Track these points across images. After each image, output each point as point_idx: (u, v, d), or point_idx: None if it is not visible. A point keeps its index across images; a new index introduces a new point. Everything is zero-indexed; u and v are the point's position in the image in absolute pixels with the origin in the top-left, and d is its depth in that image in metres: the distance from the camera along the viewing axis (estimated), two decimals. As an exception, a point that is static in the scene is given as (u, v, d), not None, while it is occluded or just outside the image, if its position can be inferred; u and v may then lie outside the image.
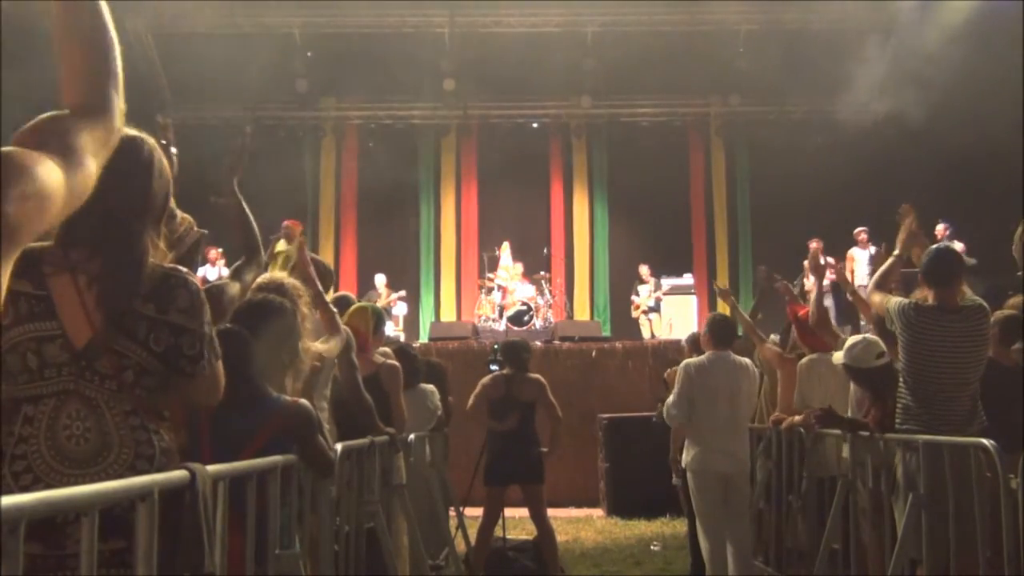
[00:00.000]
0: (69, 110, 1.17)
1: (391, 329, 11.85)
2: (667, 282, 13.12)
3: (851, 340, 4.46)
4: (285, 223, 10.83)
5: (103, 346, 1.89)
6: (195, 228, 2.81)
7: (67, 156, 1.09)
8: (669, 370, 6.46)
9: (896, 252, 4.61)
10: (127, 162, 1.92)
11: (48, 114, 1.16)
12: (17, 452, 1.83)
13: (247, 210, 2.93)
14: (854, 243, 11.76)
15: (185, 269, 2.09)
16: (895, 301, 4.05)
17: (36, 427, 1.84)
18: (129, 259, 1.94)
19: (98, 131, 1.17)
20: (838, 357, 4.41)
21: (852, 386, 4.57)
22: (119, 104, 1.24)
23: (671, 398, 5.33)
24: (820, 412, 4.47)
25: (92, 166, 1.14)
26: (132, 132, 2.00)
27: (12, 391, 1.86)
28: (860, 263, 11.46)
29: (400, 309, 12.85)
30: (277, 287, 3.21)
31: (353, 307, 4.87)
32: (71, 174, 1.08)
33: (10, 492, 1.65)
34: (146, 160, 2.03)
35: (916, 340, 3.92)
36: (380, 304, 12.13)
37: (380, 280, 12.87)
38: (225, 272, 11.09)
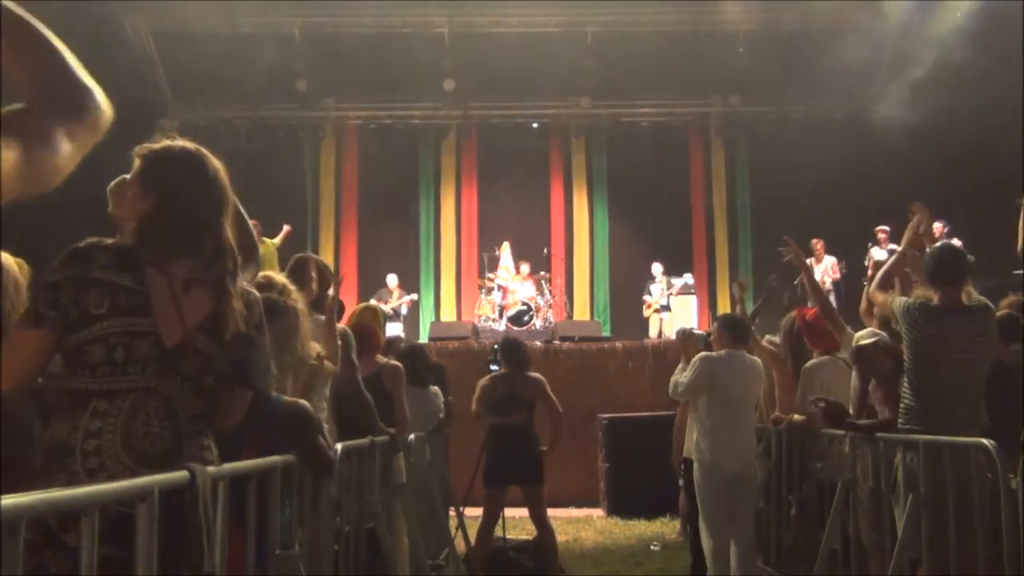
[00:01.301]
0: (30, 106, 1.18)
1: (399, 330, 11.86)
2: (672, 281, 13.11)
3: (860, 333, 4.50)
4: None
5: (192, 347, 1.94)
6: None
7: (23, 136, 1.10)
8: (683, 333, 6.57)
9: (900, 249, 4.60)
10: (205, 173, 2.06)
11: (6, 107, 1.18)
12: (88, 447, 1.83)
13: (241, 209, 2.93)
14: (875, 243, 11.67)
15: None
16: (900, 300, 4.04)
17: (110, 422, 1.86)
18: (225, 267, 2.03)
19: (67, 117, 1.18)
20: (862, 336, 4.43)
21: (852, 381, 4.57)
22: (85, 88, 1.24)
23: (684, 378, 5.35)
24: (827, 405, 4.49)
25: (65, 147, 1.15)
26: (193, 146, 2.10)
27: (84, 383, 1.87)
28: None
29: (402, 309, 12.85)
30: (273, 287, 3.21)
31: (361, 306, 4.89)
32: (28, 151, 1.09)
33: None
34: (214, 171, 2.13)
35: (920, 339, 3.90)
36: (391, 305, 12.16)
37: (392, 280, 12.85)
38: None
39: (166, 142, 2.09)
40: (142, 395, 1.89)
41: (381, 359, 4.79)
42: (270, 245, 10.76)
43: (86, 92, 1.24)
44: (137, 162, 2.07)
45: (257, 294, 2.13)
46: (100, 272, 1.89)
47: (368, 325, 4.81)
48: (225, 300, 2.01)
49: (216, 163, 2.14)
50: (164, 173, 2.04)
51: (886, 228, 11.55)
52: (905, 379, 3.99)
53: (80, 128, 1.20)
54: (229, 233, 2.10)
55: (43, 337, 1.86)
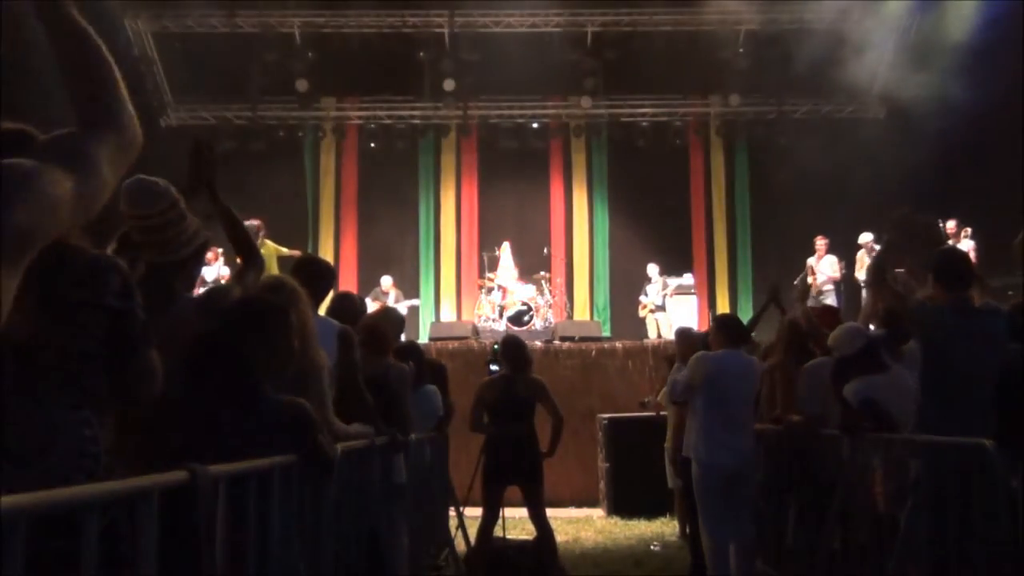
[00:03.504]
0: (76, 127, 1.20)
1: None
2: (668, 282, 13.12)
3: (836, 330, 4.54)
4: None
5: (44, 338, 1.83)
6: (202, 230, 2.80)
7: (76, 165, 1.11)
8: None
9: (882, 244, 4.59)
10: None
11: (57, 132, 1.19)
12: None
13: (236, 215, 2.92)
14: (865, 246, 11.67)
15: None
16: (913, 301, 4.02)
17: None
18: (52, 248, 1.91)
19: (109, 141, 1.20)
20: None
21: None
22: (128, 113, 1.26)
23: (681, 378, 5.36)
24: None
25: (107, 174, 1.16)
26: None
27: None
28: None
29: (402, 310, 12.84)
30: (279, 287, 3.20)
31: (379, 308, 4.91)
32: (80, 182, 1.10)
33: None
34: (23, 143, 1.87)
35: (931, 341, 3.89)
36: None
37: (386, 281, 12.85)
38: (224, 271, 11.21)
39: None
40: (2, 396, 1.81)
41: (391, 360, 4.80)
42: (271, 248, 10.77)
43: (130, 114, 1.26)
44: None
45: (117, 260, 1.99)
46: None
47: (380, 326, 4.83)
48: (62, 280, 1.88)
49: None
50: None
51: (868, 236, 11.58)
52: (919, 383, 3.97)
53: (119, 152, 1.21)
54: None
55: None
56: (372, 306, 11.71)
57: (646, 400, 8.21)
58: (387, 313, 5.32)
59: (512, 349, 6.13)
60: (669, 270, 13.20)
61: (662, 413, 7.14)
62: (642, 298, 13.11)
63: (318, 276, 3.92)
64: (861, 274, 11.35)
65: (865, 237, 11.61)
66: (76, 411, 1.89)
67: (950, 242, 10.89)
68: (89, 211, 1.13)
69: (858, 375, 4.41)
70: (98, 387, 1.94)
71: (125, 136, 1.25)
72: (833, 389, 4.53)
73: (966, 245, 10.20)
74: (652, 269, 13.13)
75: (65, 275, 1.88)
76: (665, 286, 12.89)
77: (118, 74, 1.28)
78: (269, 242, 10.79)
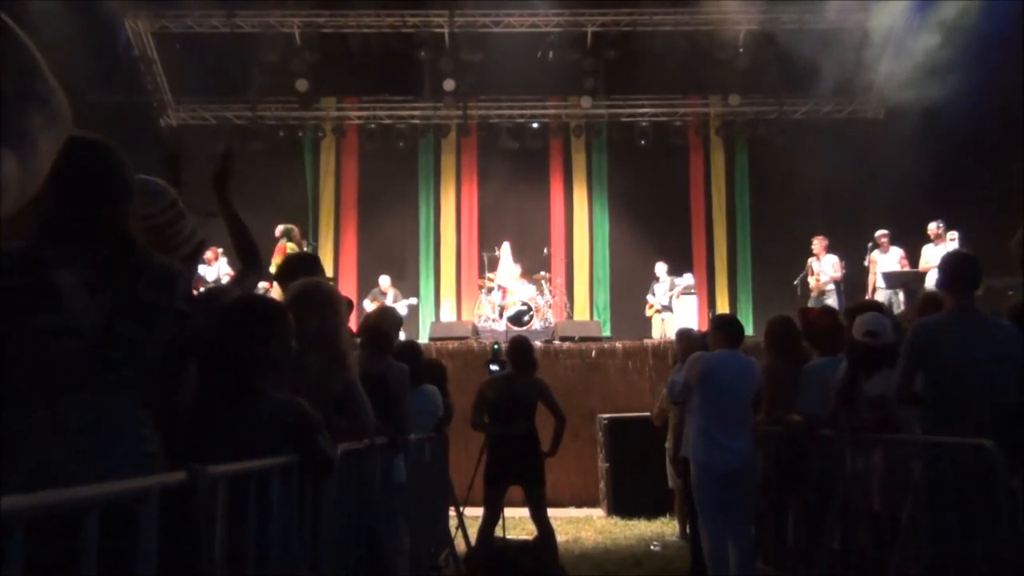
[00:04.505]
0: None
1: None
2: (676, 282, 13.11)
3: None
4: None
5: (115, 336, 1.88)
6: (199, 229, 2.80)
7: (14, 142, 1.07)
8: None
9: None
10: (79, 160, 1.91)
11: None
12: (22, 446, 1.81)
13: (242, 219, 2.92)
14: (875, 246, 11.63)
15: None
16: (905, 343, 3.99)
17: (38, 422, 1.82)
18: (121, 248, 1.97)
19: (39, 116, 1.16)
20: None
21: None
22: (50, 86, 1.22)
23: (679, 378, 5.36)
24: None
25: (44, 152, 1.13)
26: (95, 136, 2.01)
27: (12, 385, 1.83)
28: (883, 266, 11.38)
29: (401, 311, 12.84)
30: (313, 290, 3.22)
31: (378, 308, 4.91)
32: (23, 160, 1.06)
33: (22, 490, 1.66)
34: (102, 154, 2.02)
35: (931, 351, 3.85)
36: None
37: (384, 281, 12.85)
38: (224, 270, 11.23)
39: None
40: (68, 391, 1.85)
41: (390, 360, 4.80)
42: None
43: (54, 87, 1.22)
44: None
45: (176, 268, 2.06)
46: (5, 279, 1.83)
47: (380, 326, 4.83)
48: (140, 281, 1.96)
49: (104, 146, 2.05)
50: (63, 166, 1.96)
51: (887, 232, 11.52)
52: (924, 400, 3.95)
53: (49, 127, 1.18)
54: (129, 216, 2.04)
55: None
56: (371, 306, 11.73)
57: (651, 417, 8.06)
58: (385, 313, 5.32)
59: (519, 350, 6.12)
60: (670, 270, 13.20)
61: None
62: (649, 297, 13.10)
63: (306, 273, 3.89)
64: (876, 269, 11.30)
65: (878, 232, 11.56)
66: (138, 410, 1.94)
67: (931, 244, 10.90)
68: (30, 191, 1.10)
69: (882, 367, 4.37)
70: (153, 389, 1.99)
71: (50, 108, 1.21)
72: (850, 377, 4.43)
73: (951, 247, 10.17)
74: (660, 268, 13.08)
75: (144, 277, 1.96)
76: (673, 286, 12.88)
77: (34, 49, 1.24)
78: (292, 244, 11.02)
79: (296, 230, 11.47)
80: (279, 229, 11.13)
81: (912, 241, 11.26)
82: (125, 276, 1.93)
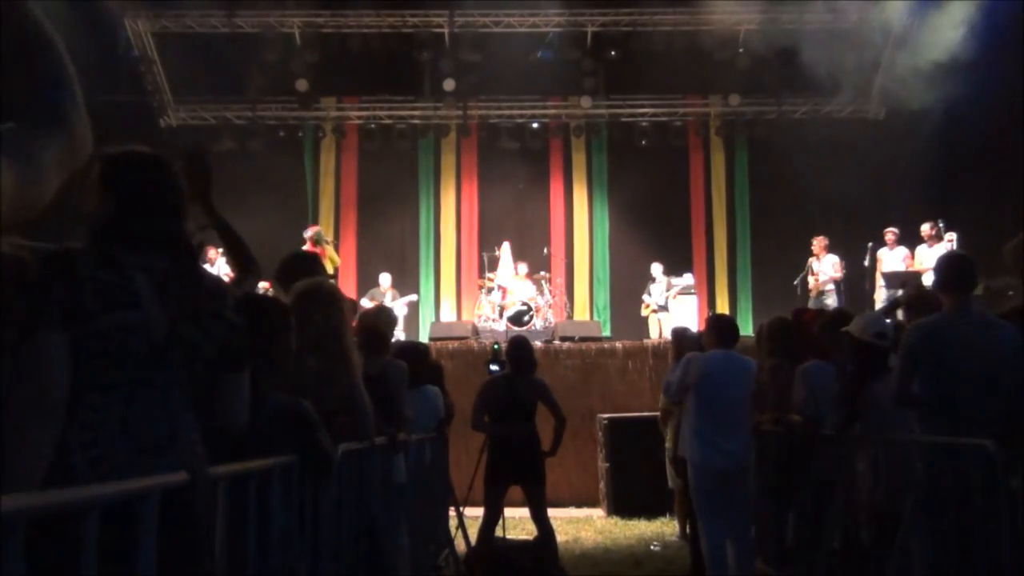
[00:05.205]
0: (25, 125, 1.16)
1: (397, 332, 11.88)
2: (672, 282, 13.10)
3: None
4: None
5: (178, 337, 2.00)
6: (198, 232, 2.79)
7: (21, 162, 1.08)
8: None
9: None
10: (155, 173, 2.09)
11: (5, 125, 1.16)
12: (85, 439, 1.85)
13: (234, 229, 2.91)
14: (882, 244, 11.61)
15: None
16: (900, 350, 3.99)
17: (105, 414, 1.88)
18: (193, 259, 2.14)
19: (58, 144, 1.16)
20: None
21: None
22: (81, 116, 1.23)
23: (675, 378, 5.36)
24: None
25: (53, 176, 1.13)
26: (142, 149, 2.12)
27: (77, 378, 1.88)
28: (888, 264, 11.38)
29: (400, 311, 12.85)
30: (314, 291, 3.22)
31: (373, 308, 4.91)
32: (23, 179, 1.07)
33: (85, 481, 1.76)
34: (167, 170, 2.15)
35: (928, 352, 3.85)
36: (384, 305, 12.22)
37: (385, 280, 12.87)
38: (225, 270, 11.28)
39: (126, 148, 2.13)
40: (134, 387, 1.92)
41: (388, 358, 4.80)
42: (330, 253, 11.57)
43: (82, 118, 1.22)
44: (98, 167, 2.06)
45: (224, 281, 2.24)
46: (87, 270, 1.92)
47: (378, 325, 4.83)
48: (200, 288, 2.08)
49: (173, 168, 2.19)
50: (124, 178, 2.07)
51: (895, 230, 11.50)
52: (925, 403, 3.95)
53: (67, 155, 1.18)
54: (186, 231, 2.19)
55: (63, 339, 1.86)
56: (369, 306, 11.74)
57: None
58: (380, 312, 5.31)
59: (518, 350, 6.12)
60: (669, 270, 13.20)
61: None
62: (645, 297, 13.10)
63: (304, 272, 3.88)
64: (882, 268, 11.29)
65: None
66: (189, 412, 2.04)
67: (925, 245, 10.90)
68: (30, 210, 1.11)
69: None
70: (200, 397, 2.11)
71: (74, 139, 1.22)
72: (858, 379, 4.42)
73: (945, 248, 10.17)
74: (656, 269, 13.09)
75: (202, 285, 2.09)
76: (670, 286, 12.88)
77: (74, 76, 1.25)
78: (329, 247, 11.38)
79: (322, 231, 12.16)
80: (309, 233, 11.58)
81: (912, 241, 11.26)
82: (187, 283, 2.05)
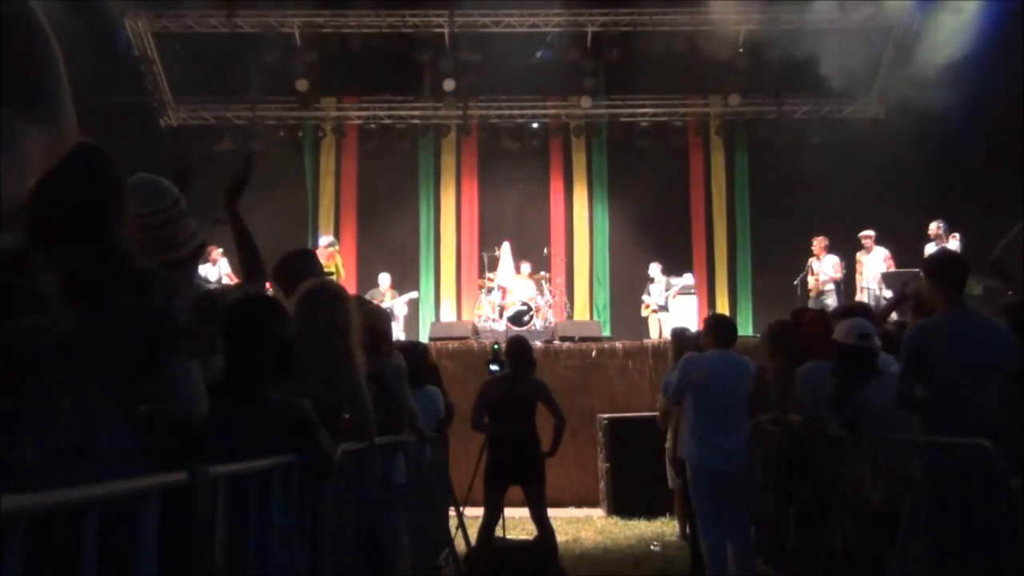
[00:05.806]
0: (8, 109, 1.14)
1: (396, 330, 11.89)
2: (671, 282, 13.10)
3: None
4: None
5: (90, 337, 1.89)
6: (200, 231, 2.80)
7: (2, 148, 1.06)
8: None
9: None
10: (66, 163, 1.93)
11: None
12: (3, 444, 1.80)
13: (250, 233, 2.92)
14: (859, 247, 11.63)
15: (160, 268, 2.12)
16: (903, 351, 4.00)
17: (20, 419, 1.82)
18: (103, 253, 1.98)
19: (43, 131, 1.15)
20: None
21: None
22: (66, 105, 1.21)
23: (673, 378, 5.36)
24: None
25: (35, 166, 1.12)
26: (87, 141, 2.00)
27: None
28: (869, 267, 11.37)
29: (401, 310, 12.85)
30: (319, 290, 3.22)
31: (369, 308, 4.90)
32: (5, 166, 1.05)
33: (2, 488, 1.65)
34: (89, 158, 2.02)
35: (927, 353, 3.85)
36: (384, 304, 12.21)
37: (384, 280, 12.87)
38: (226, 270, 11.24)
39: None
40: (48, 389, 1.86)
41: (387, 357, 4.80)
42: (339, 263, 11.85)
43: (67, 107, 1.21)
44: None
45: (165, 273, 2.08)
46: None
47: (377, 325, 4.83)
48: (119, 283, 1.97)
49: (107, 157, 2.07)
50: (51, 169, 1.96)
51: (871, 233, 11.49)
52: (925, 401, 3.95)
53: (51, 142, 1.17)
54: (115, 221, 2.07)
55: None
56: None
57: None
58: (378, 312, 5.28)
59: (517, 350, 6.12)
60: (669, 270, 13.21)
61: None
62: (644, 297, 13.11)
63: (302, 270, 3.87)
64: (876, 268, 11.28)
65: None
66: (118, 411, 1.94)
67: (932, 244, 10.90)
68: (11, 200, 1.09)
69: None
70: (135, 388, 2.00)
71: (62, 132, 1.21)
72: (845, 382, 4.45)
73: (953, 248, 10.17)
74: (655, 269, 13.10)
75: (119, 280, 1.97)
76: (669, 286, 12.89)
77: (61, 64, 1.24)
78: (339, 257, 11.52)
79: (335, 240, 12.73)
80: (325, 241, 11.96)
81: (912, 241, 11.25)
82: (101, 280, 1.94)
